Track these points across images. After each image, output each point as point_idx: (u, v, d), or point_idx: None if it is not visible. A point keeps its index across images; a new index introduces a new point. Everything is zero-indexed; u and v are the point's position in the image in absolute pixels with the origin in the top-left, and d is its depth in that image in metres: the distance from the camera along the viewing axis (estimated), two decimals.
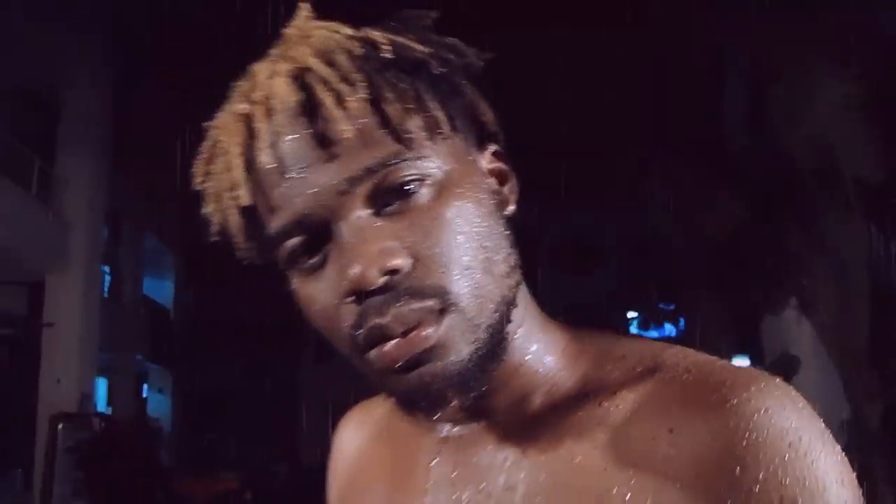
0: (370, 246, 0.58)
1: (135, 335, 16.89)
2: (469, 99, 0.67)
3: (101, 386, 15.53)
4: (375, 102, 0.60)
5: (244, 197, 0.62)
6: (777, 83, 8.04)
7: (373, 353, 0.60)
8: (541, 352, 0.68)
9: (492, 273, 0.62)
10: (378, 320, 0.59)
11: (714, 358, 0.64)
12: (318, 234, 0.61)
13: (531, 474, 0.64)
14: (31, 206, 11.95)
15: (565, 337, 0.70)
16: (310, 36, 0.64)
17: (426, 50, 0.63)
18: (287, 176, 0.60)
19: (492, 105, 0.70)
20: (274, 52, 0.66)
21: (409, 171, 0.60)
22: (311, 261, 0.62)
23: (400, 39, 0.63)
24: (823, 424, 0.59)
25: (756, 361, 13.13)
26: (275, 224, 0.62)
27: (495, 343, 0.63)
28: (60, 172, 12.93)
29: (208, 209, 0.69)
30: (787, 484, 0.54)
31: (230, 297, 20.83)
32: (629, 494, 0.58)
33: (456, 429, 0.71)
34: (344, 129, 0.58)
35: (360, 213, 0.60)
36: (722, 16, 9.86)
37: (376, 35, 0.63)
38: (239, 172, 0.63)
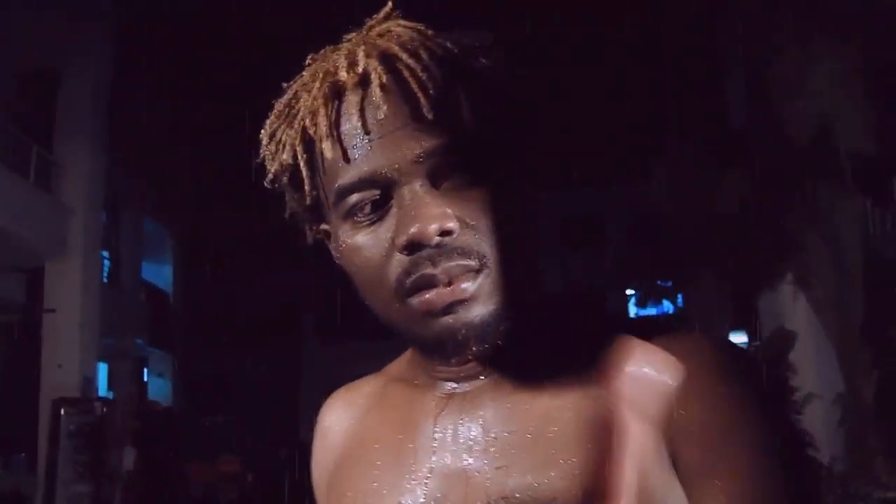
0: (430, 209, 0.70)
1: (135, 320, 16.91)
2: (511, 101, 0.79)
3: (102, 371, 15.59)
4: (447, 95, 0.72)
5: (328, 148, 0.73)
6: (775, 59, 8.03)
7: (415, 299, 0.72)
8: (542, 319, 0.79)
9: (520, 247, 0.75)
10: (429, 270, 0.70)
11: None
12: (382, 192, 0.72)
13: (531, 422, 0.75)
14: (30, 192, 11.94)
15: (561, 307, 0.83)
16: (393, 31, 0.75)
17: (484, 62, 0.76)
18: (368, 138, 0.72)
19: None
20: (356, 37, 0.78)
21: (467, 160, 0.72)
22: (368, 216, 0.73)
23: (465, 47, 0.76)
24: None
25: (753, 337, 13.19)
26: (349, 176, 0.73)
27: (515, 306, 0.73)
28: (59, 158, 12.92)
29: (277, 157, 0.79)
30: None
31: (230, 281, 20.85)
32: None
33: (460, 385, 0.80)
34: (425, 110, 0.70)
35: (423, 182, 0.71)
36: None
37: (448, 42, 0.75)
38: (325, 125, 0.73)
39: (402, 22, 0.77)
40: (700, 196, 8.90)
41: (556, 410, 0.74)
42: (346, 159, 0.72)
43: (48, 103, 13.14)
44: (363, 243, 0.74)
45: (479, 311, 0.71)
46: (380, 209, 0.73)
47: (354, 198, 0.73)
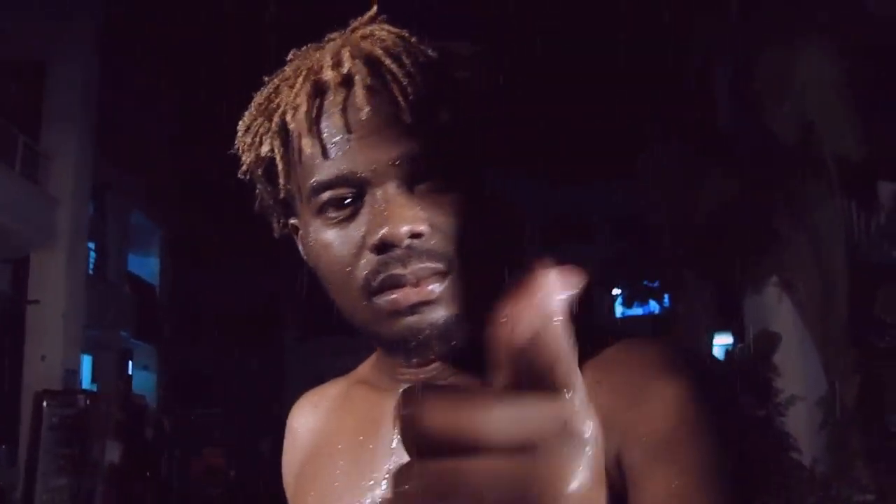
0: (402, 211, 0.71)
1: (120, 312, 16.83)
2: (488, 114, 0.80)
3: (86, 363, 15.51)
4: (426, 102, 0.73)
5: (308, 144, 0.74)
6: (761, 61, 8.06)
7: (382, 298, 0.73)
8: None
9: (488, 253, 0.75)
10: (398, 271, 0.71)
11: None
12: (357, 191, 0.73)
13: None
14: (16, 182, 11.86)
15: None
16: (377, 35, 0.76)
17: (465, 73, 0.78)
18: (347, 137, 0.72)
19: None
20: (340, 38, 0.79)
21: (442, 166, 0.73)
22: (340, 213, 0.74)
23: (447, 56, 0.77)
24: None
25: (738, 338, 13.25)
26: (326, 173, 0.73)
27: (479, 310, 0.70)
28: (45, 148, 12.84)
29: (253, 148, 0.80)
30: None
31: (216, 275, 20.79)
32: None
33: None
34: (405, 115, 0.71)
35: (398, 185, 0.72)
36: None
37: (430, 50, 0.76)
38: (306, 120, 0.74)
39: (386, 27, 0.78)
40: (685, 196, 8.93)
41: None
42: (325, 156, 0.73)
43: (35, 93, 13.06)
44: (333, 240, 0.75)
45: (444, 312, 0.72)
46: (352, 207, 0.74)
47: (328, 194, 0.74)
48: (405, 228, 0.70)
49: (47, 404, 10.79)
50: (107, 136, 14.24)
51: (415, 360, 0.77)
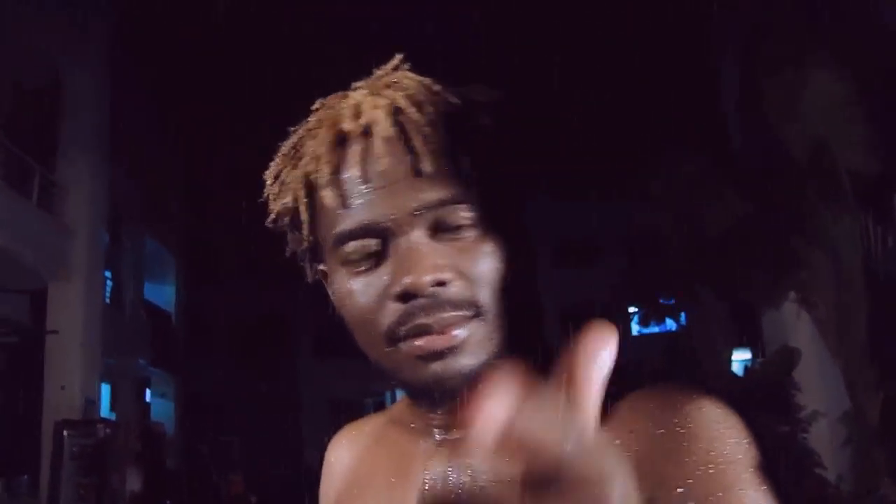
0: (425, 260, 0.71)
1: (137, 340, 16.91)
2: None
3: (105, 392, 15.56)
4: (448, 150, 0.73)
5: (329, 196, 0.74)
6: (772, 77, 8.06)
7: (406, 344, 0.72)
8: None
9: (514, 297, 0.75)
10: (424, 320, 0.71)
11: None
12: (380, 241, 0.74)
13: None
14: (33, 213, 11.97)
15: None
16: (401, 82, 0.77)
17: (487, 120, 0.78)
18: (368, 188, 0.73)
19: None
20: (363, 85, 0.80)
21: (465, 213, 0.73)
22: (364, 262, 0.74)
23: (471, 103, 0.77)
24: None
25: (756, 354, 13.15)
26: (348, 224, 0.74)
27: (506, 352, 0.74)
28: (61, 180, 12.96)
29: (279, 198, 0.81)
30: None
31: (231, 301, 20.85)
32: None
33: (450, 432, 0.80)
34: (426, 165, 0.72)
35: (420, 233, 0.73)
36: (719, 10, 9.88)
37: (454, 98, 0.76)
38: (327, 172, 0.74)
39: (410, 74, 0.78)
40: (700, 214, 8.90)
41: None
42: (346, 206, 0.74)
43: (51, 124, 13.21)
44: (357, 289, 0.75)
45: (469, 360, 0.72)
46: (376, 257, 0.74)
47: (352, 245, 0.74)
48: (428, 278, 0.70)
49: (67, 434, 10.83)
50: (121, 167, 14.37)
51: (439, 410, 0.77)
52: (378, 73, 0.80)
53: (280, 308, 22.21)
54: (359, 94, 0.78)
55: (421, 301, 0.71)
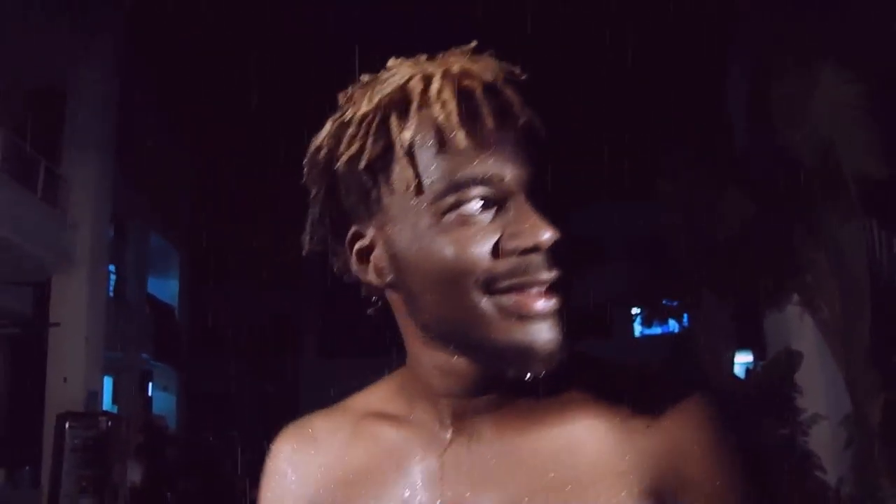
0: (544, 220, 0.72)
1: (140, 334, 16.94)
2: None
3: (107, 385, 15.59)
4: (551, 130, 0.77)
5: (459, 139, 0.73)
6: (779, 81, 8.05)
7: (510, 298, 0.73)
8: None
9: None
10: (545, 275, 0.72)
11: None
12: (493, 196, 0.73)
13: (539, 464, 0.78)
14: (37, 206, 11.99)
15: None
16: (480, 62, 0.78)
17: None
18: (499, 141, 0.74)
19: None
20: (441, 59, 0.79)
21: (560, 188, 0.76)
22: (473, 213, 0.73)
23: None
24: None
25: (759, 356, 13.14)
26: (472, 171, 0.73)
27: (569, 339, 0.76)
28: (66, 173, 12.98)
29: (360, 139, 0.77)
30: None
31: (235, 296, 20.87)
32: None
33: (464, 422, 0.81)
34: (543, 133, 0.76)
35: (532, 198, 0.73)
36: (726, 13, 9.87)
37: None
38: (456, 115, 0.73)
39: (489, 58, 0.79)
40: (705, 217, 8.89)
41: (565, 453, 0.77)
42: (476, 153, 0.73)
43: (56, 118, 13.23)
44: (465, 237, 0.73)
45: (558, 333, 0.73)
46: (484, 210, 0.73)
47: (473, 191, 0.73)
48: (550, 234, 0.71)
49: (69, 426, 10.86)
50: (126, 161, 14.39)
51: (514, 372, 0.75)
52: (454, 50, 0.80)
53: (284, 305, 22.24)
54: (452, 59, 0.79)
55: (537, 256, 0.72)
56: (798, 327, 9.28)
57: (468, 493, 0.78)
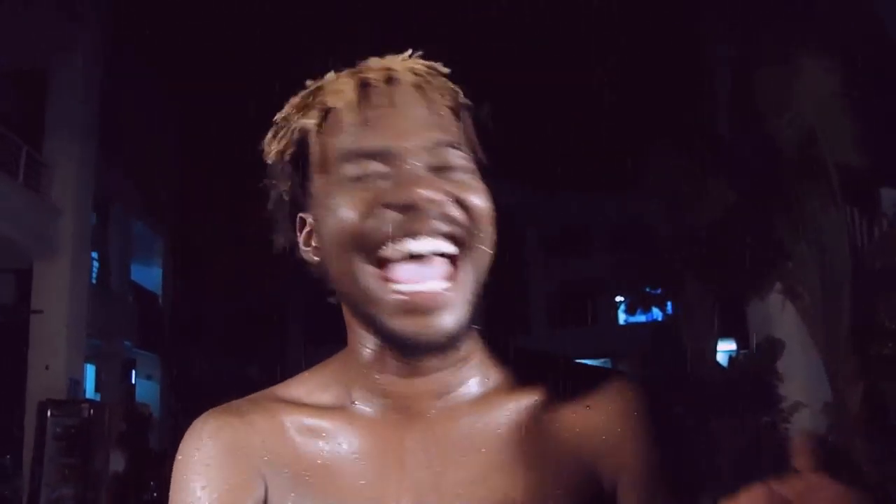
0: (427, 181, 0.77)
1: (123, 321, 16.85)
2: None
3: (90, 372, 15.52)
4: (453, 109, 0.83)
5: (350, 114, 0.80)
6: (762, 71, 8.07)
7: (393, 270, 0.77)
8: (480, 348, 0.85)
9: (488, 245, 0.80)
10: (412, 244, 0.76)
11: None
12: (386, 166, 0.79)
13: (484, 445, 0.81)
14: (19, 193, 11.89)
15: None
16: (414, 63, 0.85)
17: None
18: (385, 119, 0.80)
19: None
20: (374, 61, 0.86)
21: (459, 155, 0.81)
22: (367, 181, 0.78)
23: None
24: None
25: (741, 345, 13.23)
26: (361, 143, 0.79)
27: (472, 317, 0.79)
28: (48, 159, 12.87)
29: (284, 138, 0.86)
30: None
31: (219, 284, 20.78)
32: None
33: (408, 406, 0.82)
34: (440, 111, 0.81)
35: (422, 167, 0.79)
36: (710, 4, 9.88)
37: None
38: (349, 101, 0.81)
39: (421, 60, 0.86)
40: (688, 205, 8.93)
41: (505, 436, 0.81)
42: (364, 125, 0.80)
43: (38, 104, 13.10)
44: (354, 202, 0.78)
45: (450, 319, 0.77)
46: (379, 178, 0.78)
47: (360, 164, 0.79)
48: (429, 193, 0.76)
49: (51, 414, 10.80)
50: (109, 147, 14.28)
51: (411, 358, 0.79)
52: (388, 55, 0.86)
53: (269, 292, 22.17)
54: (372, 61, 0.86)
55: (415, 213, 0.76)
56: (780, 316, 9.36)
57: (410, 481, 0.79)
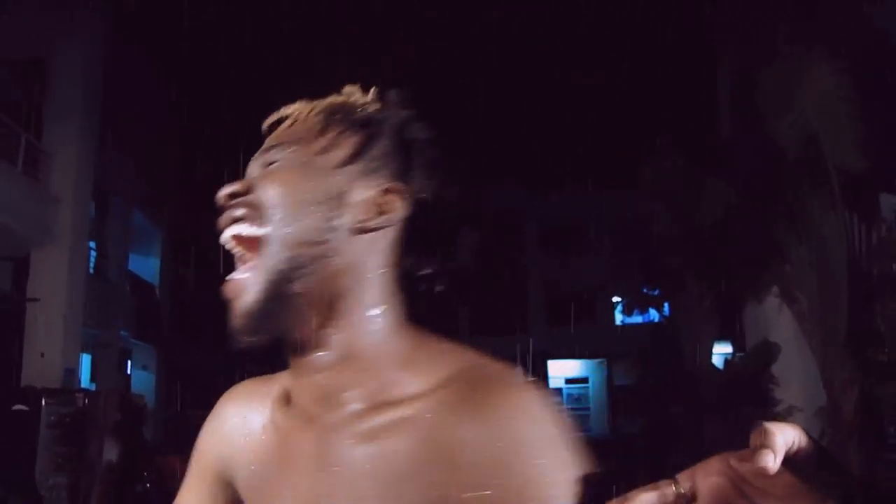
0: (237, 182, 0.86)
1: (120, 312, 16.84)
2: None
3: (85, 362, 15.51)
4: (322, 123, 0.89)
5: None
6: (764, 72, 8.07)
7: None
8: (383, 347, 0.82)
9: (284, 225, 0.82)
10: (222, 220, 0.86)
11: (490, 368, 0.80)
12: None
13: (371, 461, 0.77)
14: (18, 180, 11.87)
15: (409, 342, 0.84)
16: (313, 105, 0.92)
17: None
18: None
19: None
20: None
21: (282, 151, 0.87)
22: None
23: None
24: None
25: (737, 347, 13.24)
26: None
27: (280, 297, 0.81)
28: (47, 147, 12.85)
29: None
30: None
31: (216, 275, 20.76)
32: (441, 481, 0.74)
33: (327, 401, 0.83)
34: (296, 125, 0.89)
35: (255, 167, 0.89)
36: (713, 5, 9.88)
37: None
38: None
39: (355, 92, 0.92)
40: (687, 206, 8.93)
41: (410, 440, 0.76)
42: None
43: (38, 92, 13.07)
44: None
45: (249, 297, 0.83)
46: None
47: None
48: (225, 188, 0.84)
49: (46, 403, 10.78)
50: (109, 136, 14.25)
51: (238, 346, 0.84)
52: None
53: None
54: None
55: (223, 209, 0.85)
56: (777, 319, 9.36)
57: (329, 481, 0.79)
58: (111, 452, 11.43)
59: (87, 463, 11.03)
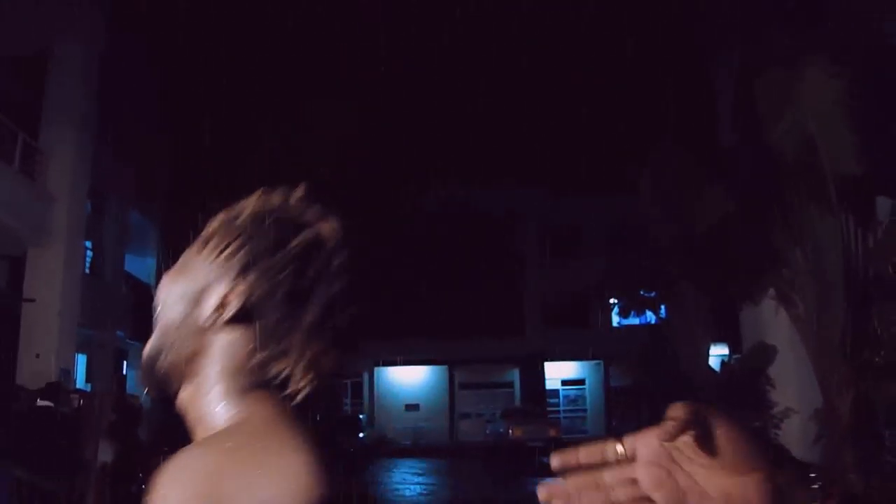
0: None
1: (116, 312, 16.81)
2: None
3: (80, 362, 15.47)
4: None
5: None
6: (763, 77, 8.07)
7: None
8: (212, 417, 0.90)
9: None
10: None
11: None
12: None
13: None
14: (14, 179, 11.84)
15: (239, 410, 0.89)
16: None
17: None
18: None
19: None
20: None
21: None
22: None
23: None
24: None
25: (734, 350, 13.24)
26: None
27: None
28: (44, 146, 12.82)
29: None
30: None
31: None
32: None
33: None
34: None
35: None
36: (713, 11, 9.88)
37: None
38: None
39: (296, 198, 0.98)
40: (685, 209, 8.93)
41: None
42: None
43: (35, 90, 13.05)
44: None
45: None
46: None
47: None
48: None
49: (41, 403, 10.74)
50: (106, 136, 14.23)
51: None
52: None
53: None
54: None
55: None
56: (773, 322, 9.37)
57: None
58: (106, 453, 11.41)
59: (82, 463, 11.00)
